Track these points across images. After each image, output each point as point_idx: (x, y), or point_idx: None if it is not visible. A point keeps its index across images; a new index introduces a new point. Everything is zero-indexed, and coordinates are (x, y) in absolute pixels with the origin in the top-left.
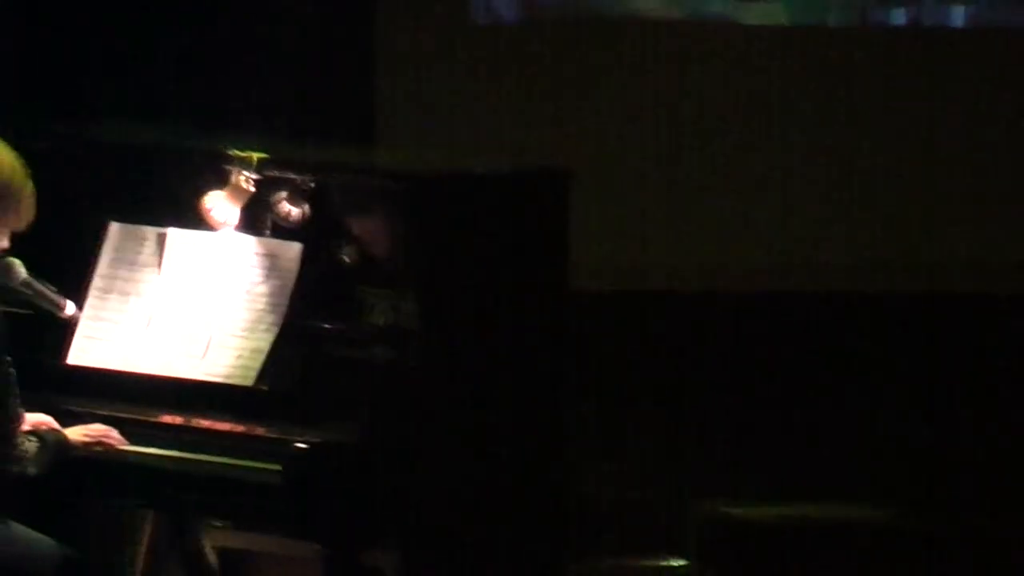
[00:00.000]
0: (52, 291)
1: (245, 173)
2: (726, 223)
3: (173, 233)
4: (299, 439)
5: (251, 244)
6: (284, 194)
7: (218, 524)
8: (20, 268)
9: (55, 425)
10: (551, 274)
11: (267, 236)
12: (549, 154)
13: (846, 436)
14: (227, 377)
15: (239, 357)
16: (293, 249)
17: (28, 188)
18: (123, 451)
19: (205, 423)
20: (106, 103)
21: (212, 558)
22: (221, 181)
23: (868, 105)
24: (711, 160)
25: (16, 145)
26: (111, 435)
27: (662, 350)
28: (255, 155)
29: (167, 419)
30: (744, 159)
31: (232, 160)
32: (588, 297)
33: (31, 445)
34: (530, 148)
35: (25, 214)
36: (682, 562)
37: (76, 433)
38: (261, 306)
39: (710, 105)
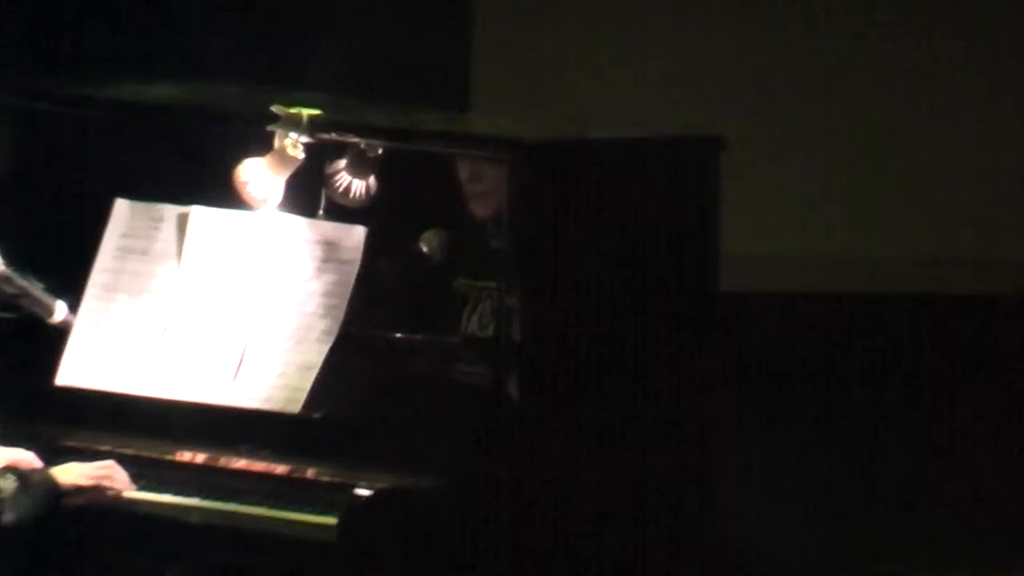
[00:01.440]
0: (39, 289)
1: (292, 135)
2: (881, 213)
3: (197, 212)
4: (360, 484)
5: (300, 228)
6: (343, 163)
7: None
8: None
9: (37, 463)
10: (698, 268)
11: (321, 218)
12: (655, 122)
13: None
14: (267, 402)
15: (282, 376)
16: (355, 235)
17: None
18: (131, 498)
19: (238, 463)
20: (112, 49)
21: None
22: (261, 145)
23: None
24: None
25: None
26: (115, 476)
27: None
28: (305, 112)
29: (188, 457)
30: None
31: (276, 118)
32: (744, 297)
33: (6, 485)
34: (635, 115)
35: None
36: None
37: (69, 473)
38: (312, 309)
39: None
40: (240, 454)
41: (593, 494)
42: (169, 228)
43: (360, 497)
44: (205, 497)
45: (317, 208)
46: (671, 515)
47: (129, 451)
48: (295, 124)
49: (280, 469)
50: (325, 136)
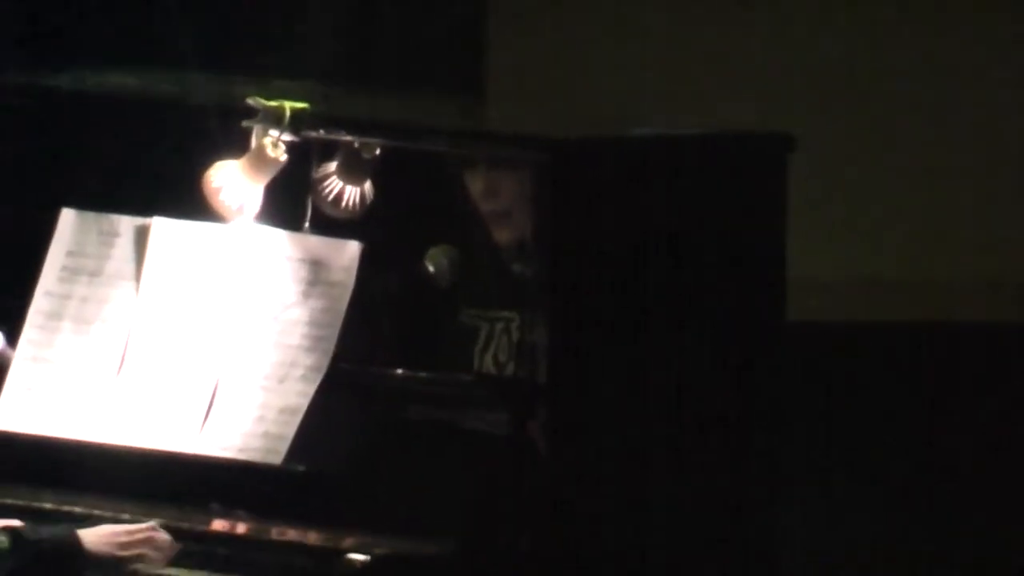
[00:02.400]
0: None
1: (273, 133)
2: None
3: (159, 225)
4: (353, 550)
5: (281, 243)
6: (334, 166)
7: None
8: None
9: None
10: (764, 294)
11: (307, 232)
12: (680, 120)
13: None
14: (242, 452)
15: (260, 421)
16: (347, 252)
17: None
18: None
19: (206, 525)
20: (55, 30)
21: None
22: (235, 145)
23: None
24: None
25: None
26: (155, 541)
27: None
28: (288, 104)
29: (147, 518)
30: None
31: (253, 112)
32: (815, 328)
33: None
34: (657, 110)
35: None
36: None
37: (93, 536)
38: (296, 341)
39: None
40: (209, 514)
41: (633, 566)
42: (125, 244)
43: (353, 565)
44: (168, 564)
45: (302, 220)
46: None
47: (76, 510)
48: (276, 119)
49: (257, 530)
50: (312, 134)
